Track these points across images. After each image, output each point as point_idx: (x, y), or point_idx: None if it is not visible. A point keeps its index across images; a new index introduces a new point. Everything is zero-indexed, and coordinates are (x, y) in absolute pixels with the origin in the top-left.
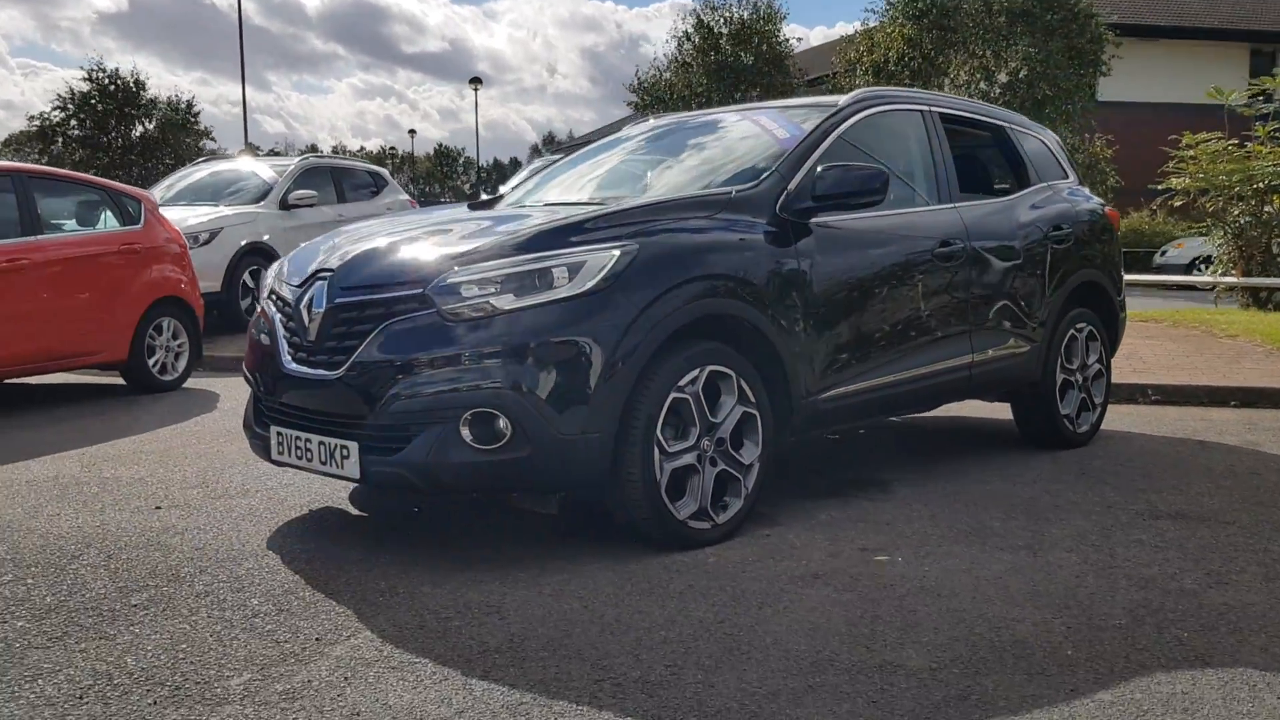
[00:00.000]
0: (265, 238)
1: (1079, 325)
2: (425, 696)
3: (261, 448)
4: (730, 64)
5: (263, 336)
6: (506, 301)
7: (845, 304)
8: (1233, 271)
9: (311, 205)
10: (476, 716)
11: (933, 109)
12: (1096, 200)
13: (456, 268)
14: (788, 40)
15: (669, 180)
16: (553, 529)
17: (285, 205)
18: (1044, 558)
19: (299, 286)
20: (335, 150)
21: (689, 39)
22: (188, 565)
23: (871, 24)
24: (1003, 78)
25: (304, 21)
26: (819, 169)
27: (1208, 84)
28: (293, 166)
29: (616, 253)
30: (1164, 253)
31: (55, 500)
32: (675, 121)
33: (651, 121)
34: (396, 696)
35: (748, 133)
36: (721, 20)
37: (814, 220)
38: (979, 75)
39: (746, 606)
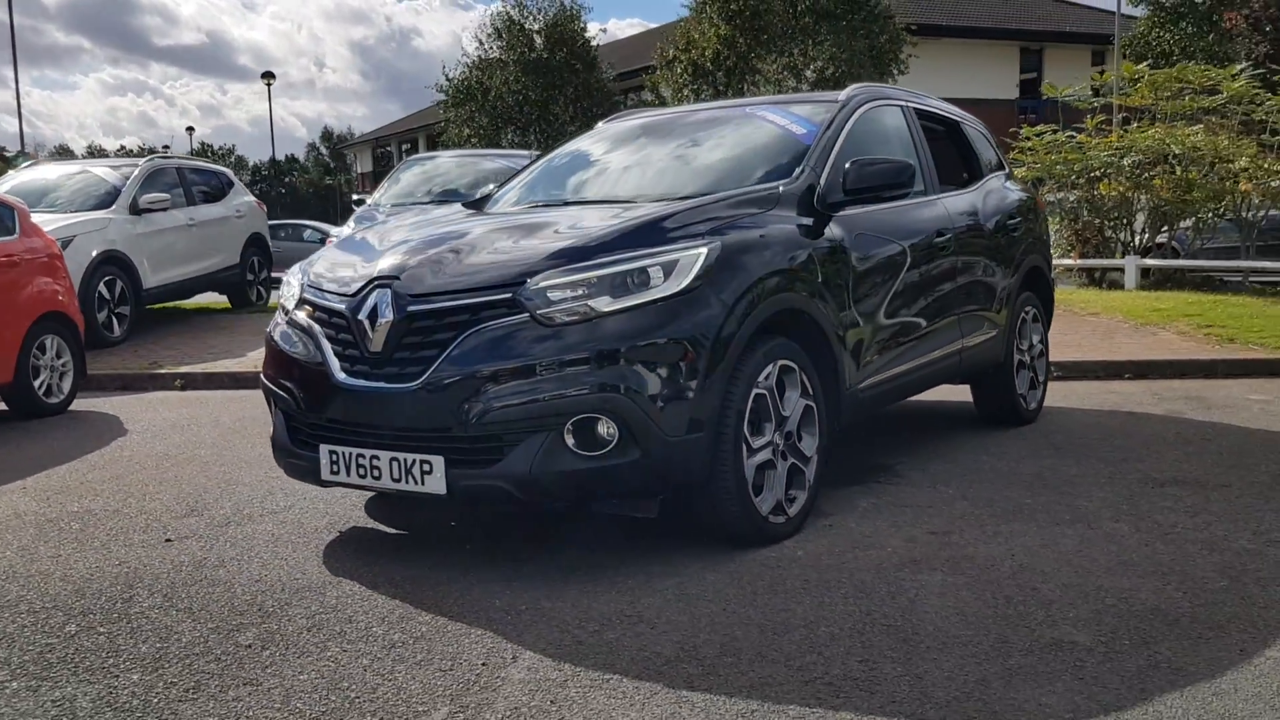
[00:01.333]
0: (118, 245)
1: (1027, 308)
2: (653, 713)
3: (305, 470)
4: (546, 61)
5: (295, 350)
6: (604, 303)
7: (874, 295)
8: (1071, 255)
9: (164, 209)
10: None
11: (908, 104)
12: (1026, 188)
13: (547, 270)
14: (592, 37)
15: (699, 176)
16: (597, 532)
17: (136, 210)
18: (1101, 529)
19: (352, 296)
20: (91, 151)
21: (499, 35)
22: (266, 599)
23: (687, 19)
24: (810, 75)
25: (41, 12)
26: (847, 164)
27: (987, 80)
28: (139, 169)
29: (704, 250)
30: None
31: (42, 540)
32: (672, 116)
33: (640, 118)
34: (622, 714)
35: (762, 128)
36: (531, 17)
37: (839, 214)
38: (788, 73)
39: (878, 597)
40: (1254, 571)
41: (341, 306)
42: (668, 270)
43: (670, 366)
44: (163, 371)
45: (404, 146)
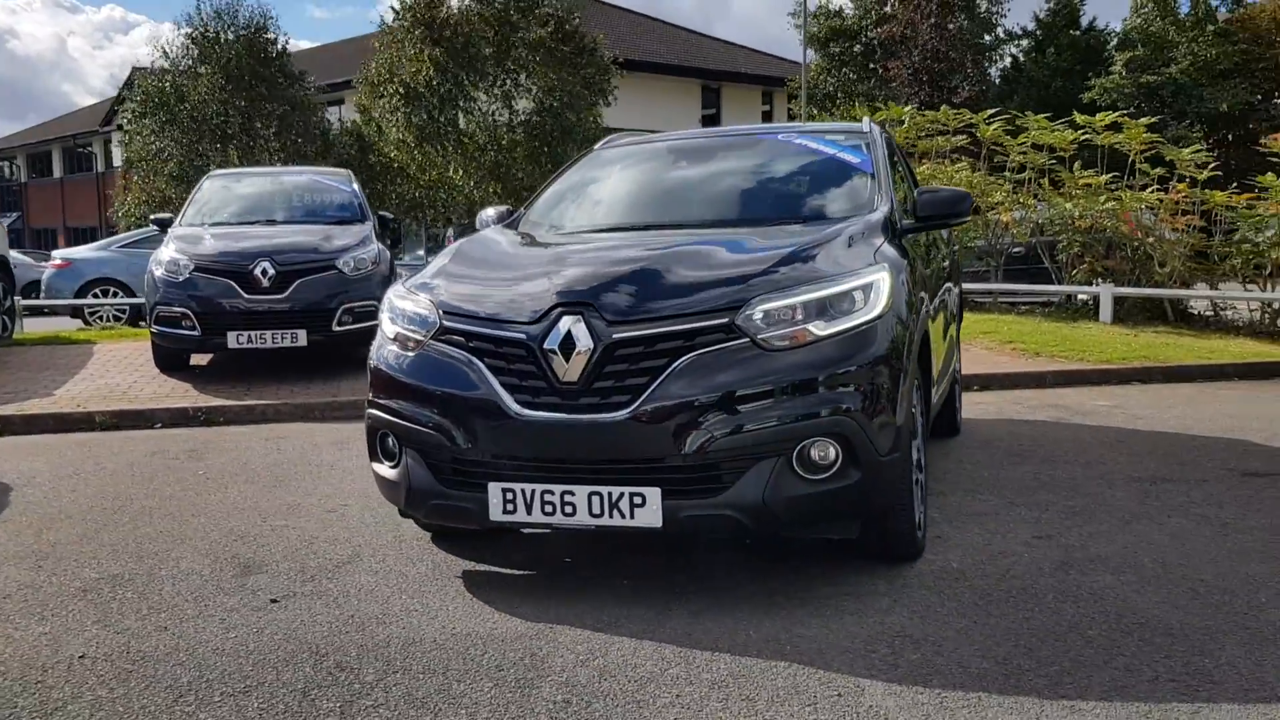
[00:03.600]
0: None
1: (955, 326)
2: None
3: (459, 512)
4: (250, 72)
5: (445, 384)
6: (819, 327)
7: (933, 315)
8: None
9: None
10: None
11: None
12: None
13: (762, 295)
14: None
15: (783, 201)
16: (726, 560)
17: None
18: (1211, 524)
19: (531, 324)
20: None
21: (194, 44)
22: (479, 657)
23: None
24: (526, 105)
25: None
26: (917, 192)
27: (673, 114)
28: None
29: (888, 275)
30: None
31: (109, 614)
32: (702, 142)
33: (660, 142)
34: None
35: (820, 155)
36: (226, 27)
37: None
38: (498, 102)
39: (1086, 604)
40: None
41: (519, 335)
42: (866, 294)
43: (880, 388)
44: None
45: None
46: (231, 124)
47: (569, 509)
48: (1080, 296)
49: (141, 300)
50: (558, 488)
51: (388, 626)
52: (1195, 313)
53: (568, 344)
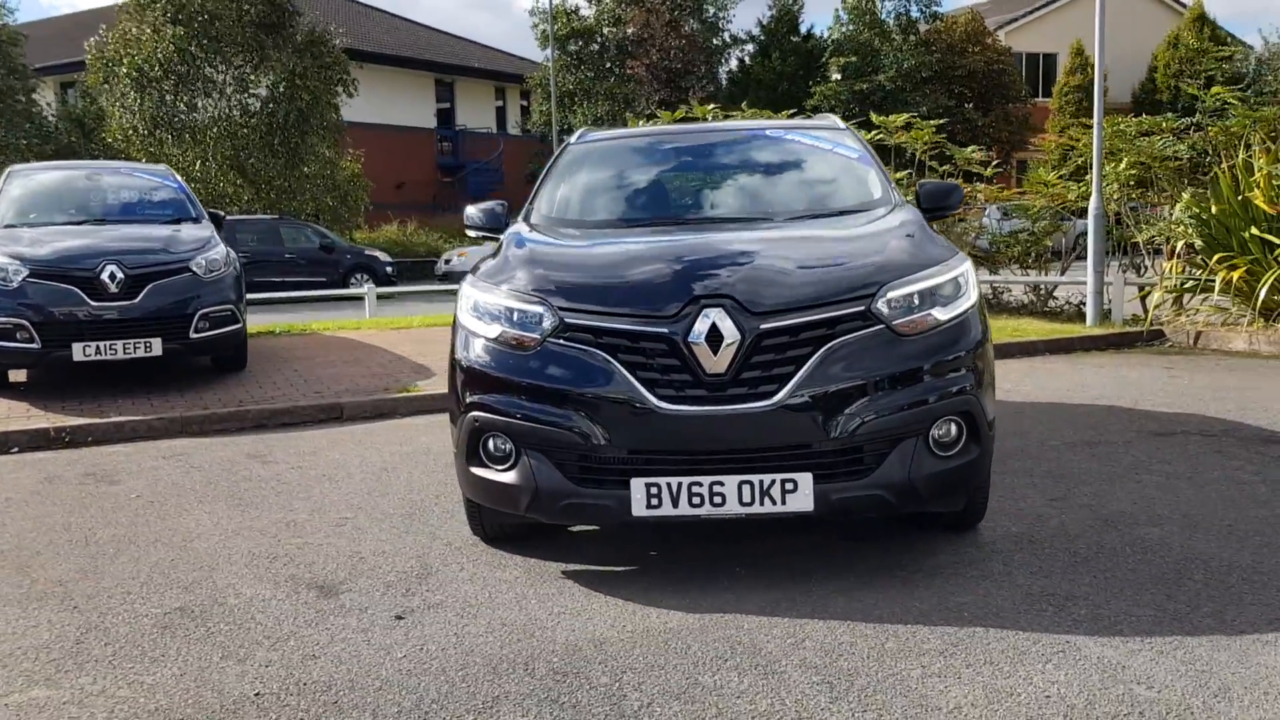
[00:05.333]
0: None
1: None
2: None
3: (598, 511)
4: None
5: (575, 384)
6: (939, 312)
7: None
8: None
9: None
10: None
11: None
12: None
13: (890, 282)
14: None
15: (801, 195)
16: (809, 541)
17: None
18: (1182, 478)
19: (671, 318)
20: None
21: None
22: (689, 649)
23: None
24: (263, 90)
25: None
26: (920, 183)
27: (409, 108)
28: None
29: (970, 264)
30: (448, 260)
31: (219, 645)
32: (699, 137)
33: (643, 137)
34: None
35: (817, 150)
36: None
37: None
38: (235, 86)
39: (1159, 553)
40: None
41: (660, 330)
42: (964, 281)
43: (984, 369)
44: None
45: None
46: None
47: (718, 499)
48: None
49: None
50: (706, 479)
51: (551, 630)
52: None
53: (714, 336)
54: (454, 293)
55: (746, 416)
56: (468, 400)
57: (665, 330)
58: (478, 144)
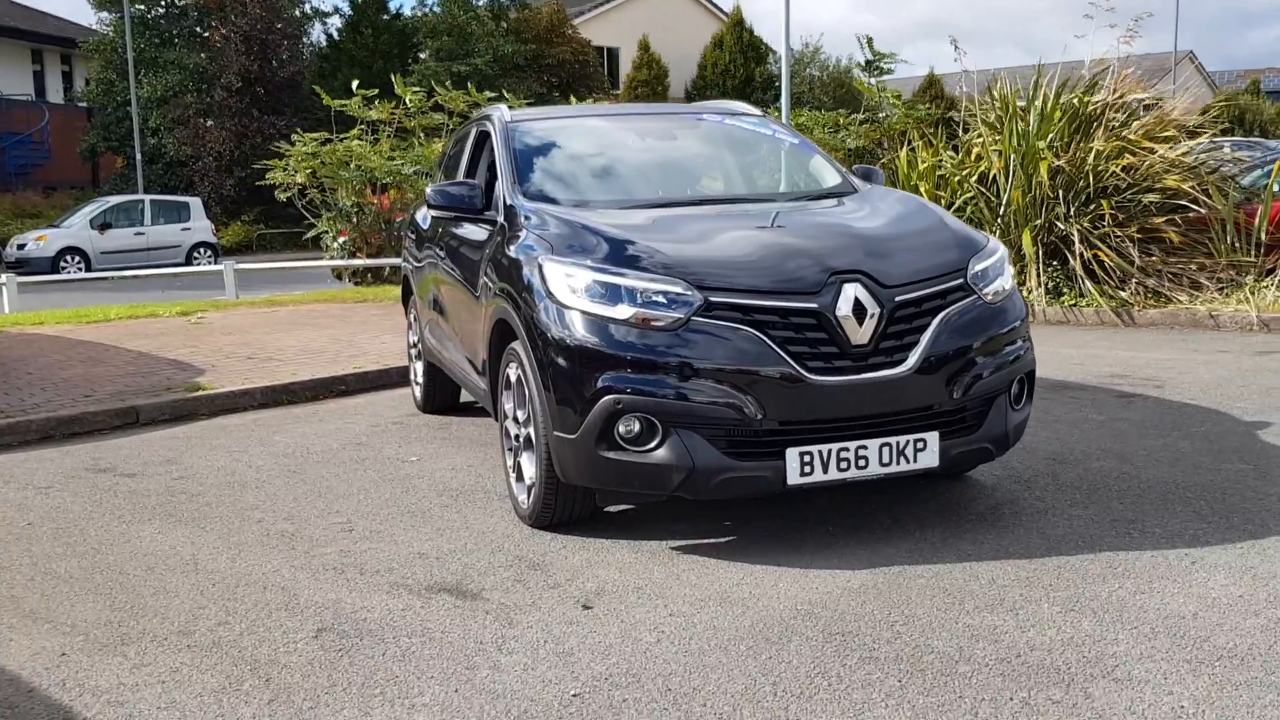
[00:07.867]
0: None
1: None
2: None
3: (754, 482)
4: None
5: (730, 359)
6: (1003, 283)
7: None
8: (359, 253)
9: None
10: None
11: None
12: None
13: (970, 257)
14: None
15: (780, 176)
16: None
17: None
18: (1123, 421)
19: (815, 294)
20: None
21: None
22: (887, 618)
23: None
24: None
25: None
26: (855, 166)
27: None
28: None
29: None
30: (22, 246)
31: (446, 657)
32: (650, 118)
33: (593, 114)
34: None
35: (766, 135)
36: None
37: None
38: None
39: (1152, 482)
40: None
41: (809, 305)
42: (1006, 259)
43: (1028, 334)
44: None
45: None
46: None
47: (863, 462)
48: None
49: None
50: (852, 444)
51: (758, 599)
52: None
53: (859, 310)
54: (56, 285)
55: (886, 382)
56: (599, 384)
57: (814, 305)
58: (15, 114)
